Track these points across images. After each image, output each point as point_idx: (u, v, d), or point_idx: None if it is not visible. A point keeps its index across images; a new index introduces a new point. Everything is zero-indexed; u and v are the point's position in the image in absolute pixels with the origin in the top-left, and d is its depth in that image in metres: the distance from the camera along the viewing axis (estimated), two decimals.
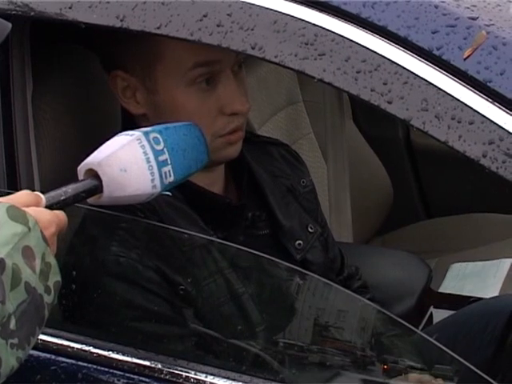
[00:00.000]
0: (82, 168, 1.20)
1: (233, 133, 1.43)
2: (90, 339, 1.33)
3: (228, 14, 1.24)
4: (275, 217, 1.54)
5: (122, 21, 1.30)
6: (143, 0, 1.29)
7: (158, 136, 1.23)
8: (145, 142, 1.21)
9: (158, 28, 1.27)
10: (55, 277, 1.05)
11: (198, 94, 1.40)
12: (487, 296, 2.00)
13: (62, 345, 1.34)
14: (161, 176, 1.22)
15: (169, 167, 1.23)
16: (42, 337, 1.35)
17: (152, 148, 1.21)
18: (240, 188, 1.53)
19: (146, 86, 1.42)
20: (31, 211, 1.05)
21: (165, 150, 1.23)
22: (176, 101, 1.41)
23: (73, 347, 1.33)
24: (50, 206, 1.11)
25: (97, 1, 1.32)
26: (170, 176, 1.23)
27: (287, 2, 1.22)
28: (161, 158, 1.22)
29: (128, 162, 1.19)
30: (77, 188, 1.16)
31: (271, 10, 1.22)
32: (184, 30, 1.26)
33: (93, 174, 1.19)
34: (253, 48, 1.22)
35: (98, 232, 1.35)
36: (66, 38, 1.53)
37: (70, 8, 1.34)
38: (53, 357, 1.34)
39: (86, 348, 1.32)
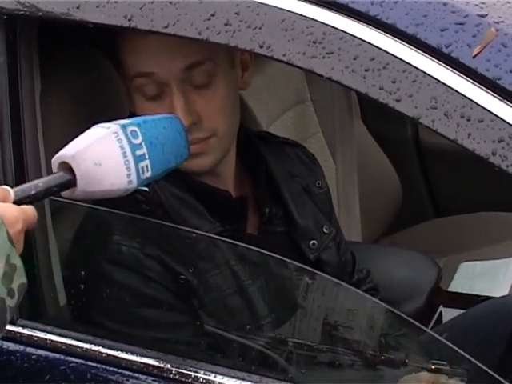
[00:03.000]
0: (55, 161, 1.15)
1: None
2: (98, 339, 1.33)
3: (236, 13, 1.24)
4: (291, 215, 1.55)
5: (129, 20, 1.29)
6: None
7: (136, 129, 1.19)
8: (122, 136, 1.17)
9: (166, 27, 1.27)
10: (20, 279, 1.00)
11: (148, 104, 1.41)
12: (497, 295, 1.99)
13: (71, 345, 1.34)
14: (137, 171, 1.17)
15: (146, 162, 1.19)
16: (50, 337, 1.36)
17: (129, 142, 1.17)
18: (256, 185, 1.53)
19: (127, 88, 1.45)
20: None
21: (143, 144, 1.19)
22: (134, 108, 1.44)
23: (82, 347, 1.33)
24: (18, 201, 1.05)
25: (104, 0, 1.32)
26: (148, 171, 1.19)
27: (295, 1, 1.22)
28: (138, 153, 1.18)
29: (103, 156, 1.15)
30: (48, 182, 1.11)
31: (279, 8, 1.22)
32: (192, 29, 1.25)
33: (66, 167, 1.14)
34: (261, 47, 1.21)
35: (101, 224, 1.36)
36: (74, 37, 1.54)
37: (77, 8, 1.33)
38: (62, 357, 1.34)
39: (95, 348, 1.33)
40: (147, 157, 1.19)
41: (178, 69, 1.39)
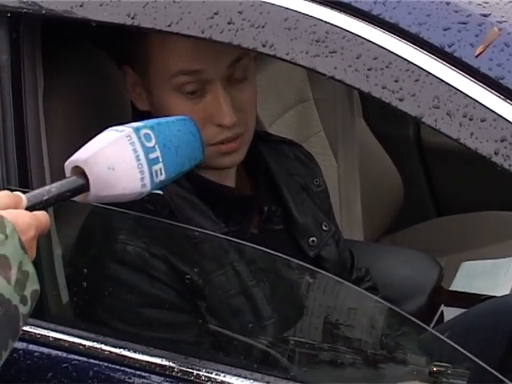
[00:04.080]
0: (68, 165, 1.14)
1: (223, 143, 1.42)
2: (101, 337, 1.33)
3: (239, 12, 1.24)
4: (290, 212, 1.55)
5: (133, 19, 1.30)
6: None
7: (150, 132, 1.18)
8: (135, 139, 1.16)
9: (169, 26, 1.27)
10: (33, 285, 0.98)
11: (185, 101, 1.40)
12: (498, 294, 1.99)
13: (73, 342, 1.34)
14: (151, 174, 1.16)
15: (160, 165, 1.17)
16: (53, 334, 1.36)
17: (142, 145, 1.16)
18: (255, 183, 1.54)
19: (145, 86, 1.44)
20: (8, 215, 0.98)
21: (156, 147, 1.17)
22: (166, 105, 1.42)
23: (84, 345, 1.34)
24: (31, 207, 1.04)
25: None
26: (161, 174, 1.18)
27: (298, 0, 1.22)
28: (151, 156, 1.16)
29: (116, 159, 1.13)
30: (61, 187, 1.10)
31: (282, 7, 1.22)
32: (195, 27, 1.26)
33: (79, 171, 1.12)
34: (264, 45, 1.22)
35: (106, 223, 1.36)
36: (77, 36, 1.54)
37: (80, 6, 1.34)
38: (64, 354, 1.35)
39: (98, 345, 1.33)
40: (161, 160, 1.18)
41: (225, 65, 1.39)
